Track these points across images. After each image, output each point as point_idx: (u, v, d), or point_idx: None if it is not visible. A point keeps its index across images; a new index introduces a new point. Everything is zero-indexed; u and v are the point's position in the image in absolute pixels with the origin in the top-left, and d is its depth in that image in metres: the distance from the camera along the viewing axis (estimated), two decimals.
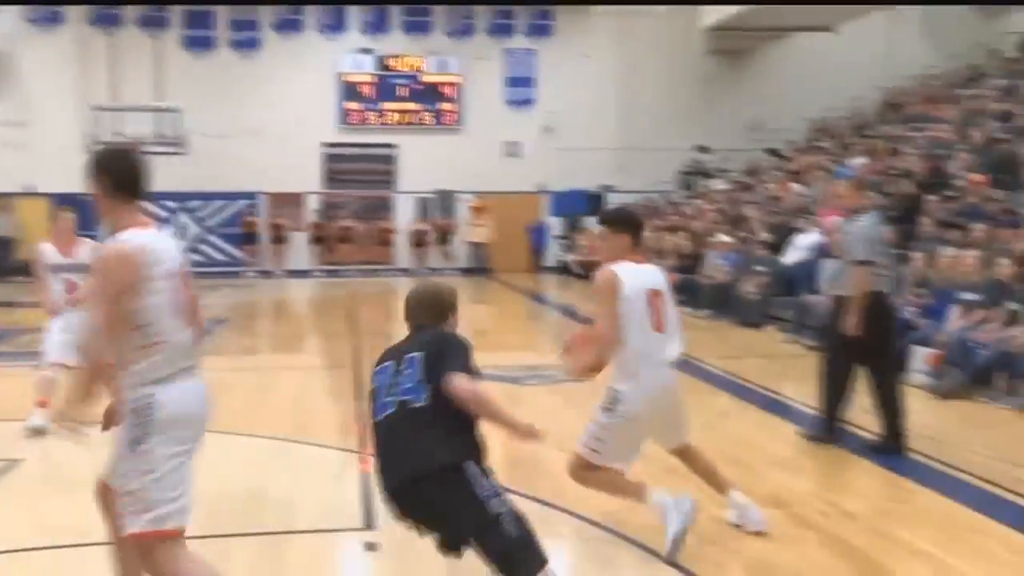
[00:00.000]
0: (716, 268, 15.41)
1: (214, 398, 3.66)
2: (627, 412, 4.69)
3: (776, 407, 8.48)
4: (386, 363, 3.81)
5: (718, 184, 23.03)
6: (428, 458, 3.58)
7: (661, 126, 25.22)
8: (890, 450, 6.65)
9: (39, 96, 23.56)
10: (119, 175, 3.57)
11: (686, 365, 9.87)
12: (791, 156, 21.49)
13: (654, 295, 4.75)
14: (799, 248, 13.71)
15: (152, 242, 3.52)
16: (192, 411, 3.50)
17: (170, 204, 24.10)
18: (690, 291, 15.04)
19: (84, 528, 4.84)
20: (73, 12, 23.67)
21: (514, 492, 5.38)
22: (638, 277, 4.75)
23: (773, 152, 23.05)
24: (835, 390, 6.88)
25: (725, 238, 16.20)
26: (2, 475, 6.06)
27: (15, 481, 5.71)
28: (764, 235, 15.55)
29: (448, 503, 3.55)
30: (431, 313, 4.01)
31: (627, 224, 4.90)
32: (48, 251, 7.41)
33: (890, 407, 6.74)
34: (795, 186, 17.93)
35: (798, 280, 12.93)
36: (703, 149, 25.16)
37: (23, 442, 6.87)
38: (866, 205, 7.22)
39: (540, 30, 25.65)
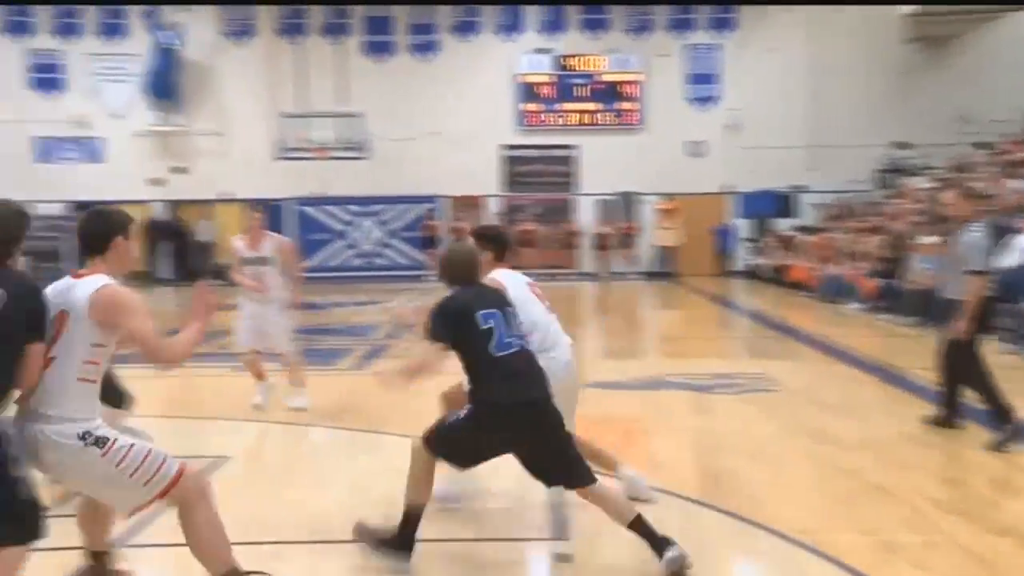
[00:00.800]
0: (920, 272, 14.71)
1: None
2: None
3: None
4: (491, 310, 4.49)
5: (920, 182, 22.00)
6: (548, 389, 4.49)
7: (855, 121, 24.34)
8: None
9: (234, 106, 24.88)
10: None
11: (890, 375, 9.56)
12: (1005, 149, 20.29)
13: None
14: (1017, 250, 12.90)
15: None
16: None
17: (353, 208, 24.94)
18: (892, 297, 14.41)
19: (281, 525, 5.08)
20: (264, 23, 24.89)
21: (708, 506, 5.33)
22: None
23: (983, 145, 21.83)
24: None
25: (931, 239, 15.44)
26: (210, 471, 6.38)
27: (221, 478, 5.99)
28: None
29: (559, 426, 4.45)
30: (477, 271, 4.81)
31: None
32: (239, 246, 8.28)
33: None
34: (1010, 182, 16.92)
35: (1016, 285, 12.17)
36: (902, 145, 24.11)
37: (229, 439, 7.25)
38: (977, 214, 7.14)
39: (723, 24, 25.24)
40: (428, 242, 25.22)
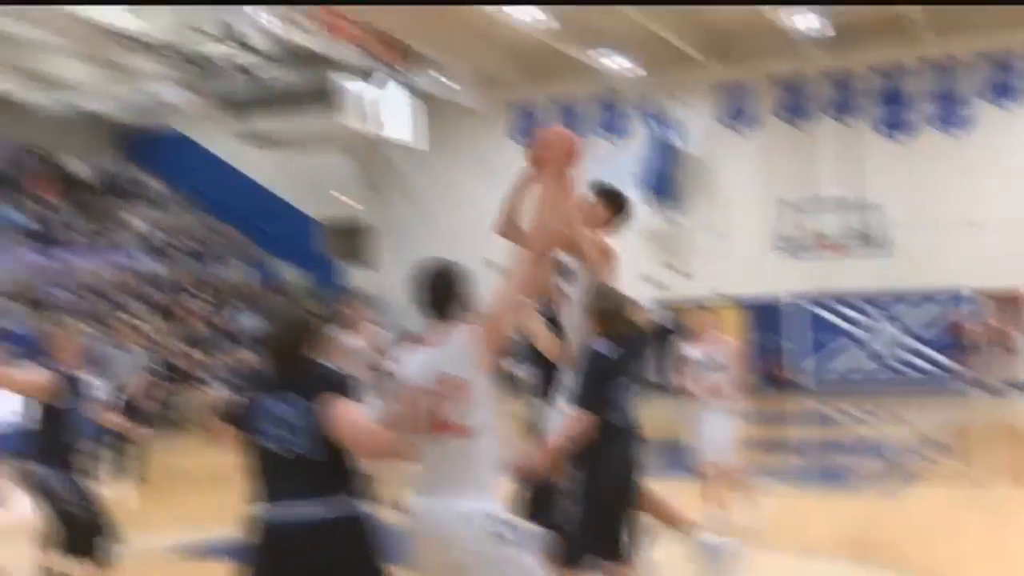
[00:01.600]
0: None
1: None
2: None
3: None
4: None
5: None
6: None
7: None
8: None
9: (731, 198, 24.84)
10: None
11: None
12: None
13: None
14: None
15: None
16: None
17: (866, 306, 23.60)
18: None
19: None
20: (762, 108, 24.76)
21: None
22: None
23: None
24: None
25: None
26: None
27: None
28: None
29: None
30: None
31: None
32: (692, 349, 8.56)
33: None
34: None
35: None
36: None
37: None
38: None
39: None
40: (957, 343, 22.93)
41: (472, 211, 25.55)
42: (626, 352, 4.84)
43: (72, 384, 6.47)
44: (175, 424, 17.81)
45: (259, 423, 3.81)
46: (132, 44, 20.28)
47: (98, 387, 9.52)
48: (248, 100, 23.43)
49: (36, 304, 19.84)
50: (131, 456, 12.74)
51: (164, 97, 23.91)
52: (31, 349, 17.46)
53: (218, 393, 18.88)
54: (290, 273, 27.32)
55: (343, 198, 27.68)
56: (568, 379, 5.06)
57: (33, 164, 25.33)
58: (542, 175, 4.46)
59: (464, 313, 4.03)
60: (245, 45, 20.90)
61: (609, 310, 5.03)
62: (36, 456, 6.39)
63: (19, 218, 22.58)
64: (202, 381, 19.28)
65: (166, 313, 21.89)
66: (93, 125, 27.23)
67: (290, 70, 22.73)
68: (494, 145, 26.33)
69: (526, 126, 26.73)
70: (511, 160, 23.08)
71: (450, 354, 3.93)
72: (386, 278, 27.43)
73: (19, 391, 6.76)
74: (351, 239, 28.50)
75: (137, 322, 18.39)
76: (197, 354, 20.43)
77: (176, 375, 18.80)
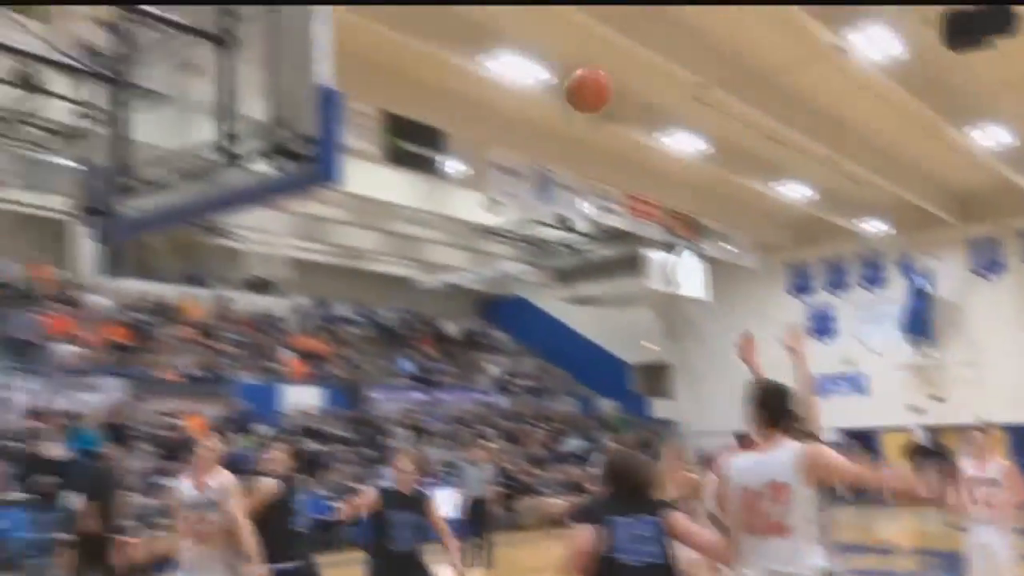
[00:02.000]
0: None
1: None
2: None
3: None
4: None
5: None
6: None
7: None
8: None
9: (985, 337, 24.29)
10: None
11: None
12: None
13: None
14: None
15: None
16: None
17: None
18: None
19: None
20: (1009, 257, 24.24)
21: None
22: None
23: None
24: None
25: None
26: None
27: None
28: None
29: None
30: None
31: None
32: (968, 465, 7.87)
33: None
34: None
35: None
36: None
37: None
38: None
39: None
40: None
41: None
42: None
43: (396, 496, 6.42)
44: (517, 525, 18.94)
45: (617, 540, 3.79)
46: (490, 234, 22.93)
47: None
48: (573, 270, 25.08)
49: (418, 430, 21.68)
50: (482, 550, 13.62)
51: (511, 271, 26.03)
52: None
53: (553, 501, 20.29)
54: (607, 405, 28.22)
55: (648, 344, 28.68)
56: None
57: (418, 326, 27.68)
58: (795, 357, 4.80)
59: (791, 426, 4.04)
60: (571, 228, 22.60)
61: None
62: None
63: (408, 366, 24.79)
64: (538, 491, 20.28)
65: (511, 437, 23.16)
66: (460, 295, 29.60)
67: (605, 245, 24.12)
68: (773, 299, 27.15)
69: (800, 282, 27.60)
70: (787, 311, 24.26)
71: (778, 461, 3.87)
72: (682, 407, 28.48)
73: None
74: (655, 377, 29.45)
75: (490, 444, 20.19)
76: (535, 470, 21.59)
77: (518, 486, 20.09)
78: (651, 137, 16.88)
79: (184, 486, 6.10)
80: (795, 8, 12.24)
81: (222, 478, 6.07)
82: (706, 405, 26.67)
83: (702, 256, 24.23)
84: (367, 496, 6.57)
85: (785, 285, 27.71)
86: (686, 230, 22.86)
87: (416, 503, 6.38)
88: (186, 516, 5.93)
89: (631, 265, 23.57)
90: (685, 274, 24.22)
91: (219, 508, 5.89)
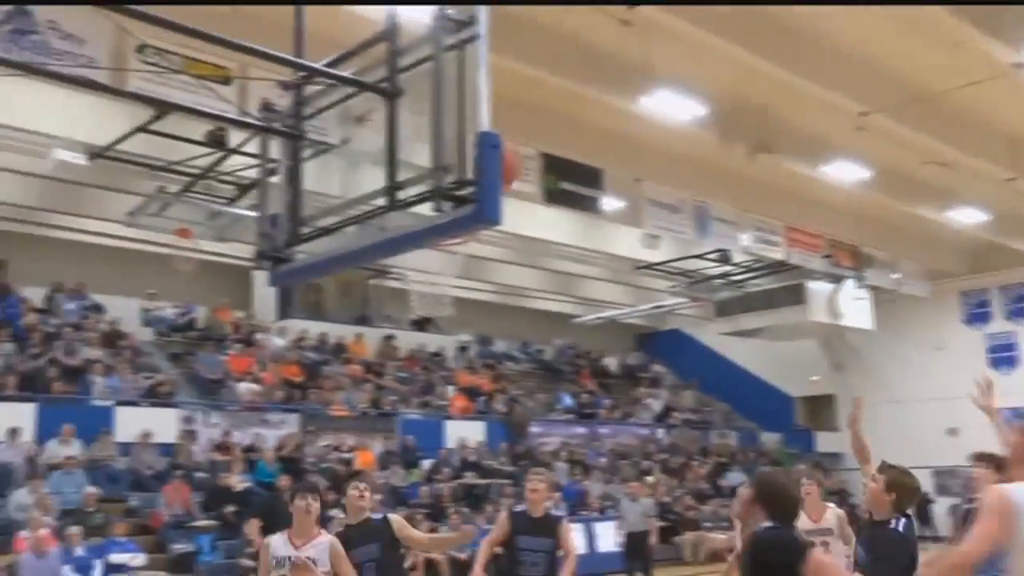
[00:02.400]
0: None
1: None
2: None
3: None
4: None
5: None
6: None
7: None
8: None
9: None
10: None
11: None
12: None
13: None
14: None
15: None
16: None
17: None
18: None
19: None
20: None
21: None
22: None
23: None
24: None
25: None
26: None
27: None
28: None
29: None
30: None
31: None
32: None
33: None
34: None
35: None
36: None
37: None
38: None
39: None
40: None
41: (925, 384, 25.10)
42: None
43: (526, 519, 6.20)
44: (677, 559, 18.90)
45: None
46: (648, 269, 22.79)
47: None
48: (733, 303, 24.56)
49: (578, 464, 21.79)
50: None
51: (669, 305, 25.84)
52: (576, 501, 19.87)
53: (714, 535, 19.88)
54: (770, 439, 27.69)
55: (812, 377, 27.92)
56: None
57: (578, 361, 27.80)
58: None
59: None
60: (730, 261, 22.13)
61: None
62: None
63: (568, 400, 24.92)
64: (699, 526, 19.94)
65: (672, 471, 22.94)
66: (619, 329, 29.85)
67: (766, 277, 23.56)
68: (947, 327, 25.86)
69: (977, 310, 26.06)
70: (962, 340, 23.03)
71: None
72: (846, 441, 27.39)
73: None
74: (819, 409, 28.61)
75: (649, 478, 19.96)
76: (696, 504, 21.28)
77: (678, 520, 19.96)
78: (811, 167, 16.42)
79: (278, 542, 5.52)
80: (966, 26, 11.66)
81: (322, 539, 5.49)
82: (874, 438, 25.49)
83: (867, 286, 23.48)
84: (499, 525, 6.29)
85: (960, 314, 26.27)
86: (850, 260, 22.27)
87: (548, 527, 6.03)
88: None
89: (793, 296, 23.18)
90: (849, 304, 23.56)
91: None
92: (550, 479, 6.46)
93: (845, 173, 16.53)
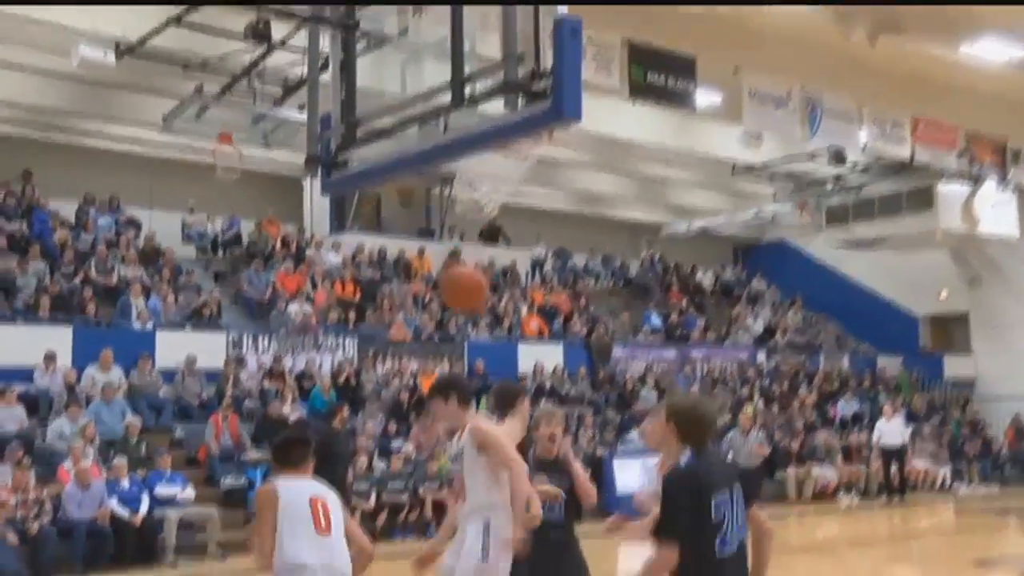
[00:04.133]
0: None
1: None
2: None
3: None
4: (724, 492, 3.73)
5: None
6: None
7: None
8: None
9: None
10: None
11: None
12: None
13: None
14: None
15: None
16: None
17: None
18: None
19: None
20: None
21: None
22: None
23: None
24: None
25: None
26: None
27: None
28: None
29: None
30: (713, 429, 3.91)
31: None
32: None
33: None
34: None
35: None
36: None
37: None
38: None
39: None
40: None
41: None
42: None
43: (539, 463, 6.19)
44: (781, 497, 18.97)
45: None
46: (748, 173, 22.55)
47: None
48: (848, 209, 24.43)
49: (663, 391, 21.16)
50: None
51: (773, 213, 25.73)
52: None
53: (820, 471, 19.94)
54: (889, 363, 27.42)
55: (942, 293, 27.50)
56: None
57: (667, 277, 27.66)
58: None
59: None
60: (845, 162, 21.85)
61: None
62: None
63: (656, 321, 24.86)
64: (803, 460, 20.05)
65: (774, 400, 22.80)
66: (715, 241, 29.69)
67: (889, 179, 23.35)
68: None
69: None
70: None
71: None
72: (981, 365, 26.97)
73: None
74: (948, 330, 28.34)
75: (748, 408, 19.89)
76: (802, 437, 21.02)
77: (782, 455, 19.82)
78: (949, 48, 15.83)
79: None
80: None
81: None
82: (1015, 363, 25.14)
83: (1012, 187, 22.98)
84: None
85: None
86: (992, 157, 21.72)
87: (562, 468, 6.10)
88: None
89: (921, 201, 22.96)
90: (989, 209, 23.27)
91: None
92: (564, 417, 6.46)
93: (992, 53, 15.89)
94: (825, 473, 19.99)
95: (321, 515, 5.06)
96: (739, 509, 3.79)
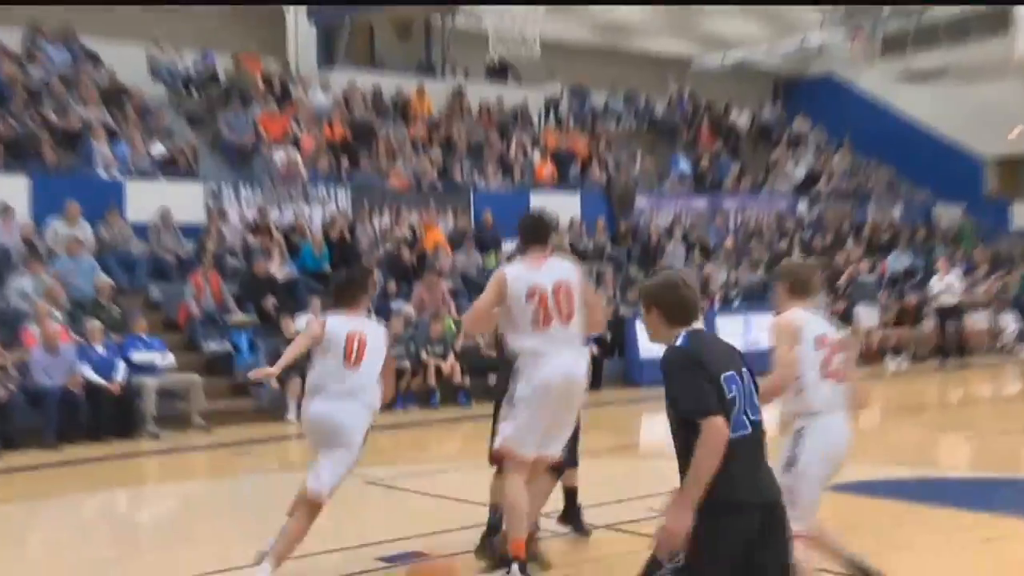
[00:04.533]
0: None
1: None
2: None
3: None
4: (732, 371, 3.85)
5: None
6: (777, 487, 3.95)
7: None
8: None
9: None
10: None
11: None
12: None
13: None
14: None
15: None
16: None
17: None
18: None
19: None
20: None
21: None
22: None
23: None
24: None
25: None
26: None
27: None
28: None
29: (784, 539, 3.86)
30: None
31: None
32: None
33: None
34: None
35: None
36: None
37: None
38: None
39: None
40: None
41: None
42: None
43: None
44: None
45: None
46: None
47: None
48: (906, 37, 23.85)
49: (696, 245, 21.62)
50: None
51: (820, 43, 25.22)
52: None
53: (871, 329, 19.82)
54: (949, 212, 27.19)
55: (1013, 132, 26.89)
56: None
57: (697, 116, 27.17)
58: None
59: None
60: None
61: None
62: None
63: (685, 166, 24.56)
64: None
65: (818, 253, 22.20)
66: (752, 76, 29.14)
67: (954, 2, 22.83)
68: None
69: None
70: None
71: None
72: None
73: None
74: (1017, 174, 28.07)
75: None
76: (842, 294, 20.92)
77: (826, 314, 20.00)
78: None
79: None
80: None
81: None
82: None
83: None
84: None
85: None
86: None
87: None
88: None
89: (994, 25, 22.61)
90: None
91: None
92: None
93: None
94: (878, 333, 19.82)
95: (355, 349, 6.08)
96: (750, 389, 3.90)
